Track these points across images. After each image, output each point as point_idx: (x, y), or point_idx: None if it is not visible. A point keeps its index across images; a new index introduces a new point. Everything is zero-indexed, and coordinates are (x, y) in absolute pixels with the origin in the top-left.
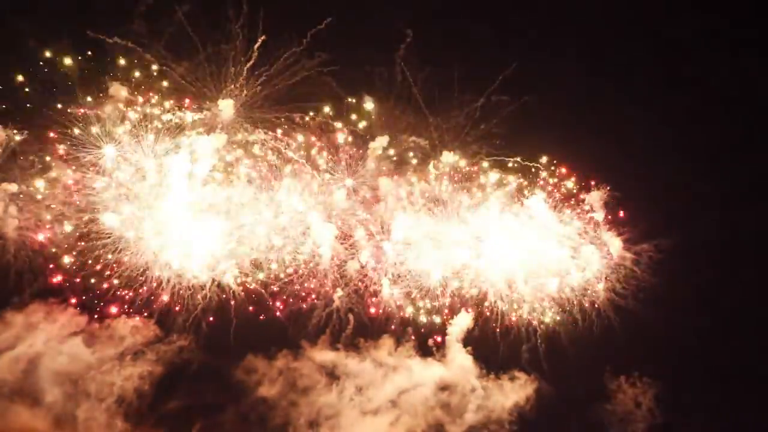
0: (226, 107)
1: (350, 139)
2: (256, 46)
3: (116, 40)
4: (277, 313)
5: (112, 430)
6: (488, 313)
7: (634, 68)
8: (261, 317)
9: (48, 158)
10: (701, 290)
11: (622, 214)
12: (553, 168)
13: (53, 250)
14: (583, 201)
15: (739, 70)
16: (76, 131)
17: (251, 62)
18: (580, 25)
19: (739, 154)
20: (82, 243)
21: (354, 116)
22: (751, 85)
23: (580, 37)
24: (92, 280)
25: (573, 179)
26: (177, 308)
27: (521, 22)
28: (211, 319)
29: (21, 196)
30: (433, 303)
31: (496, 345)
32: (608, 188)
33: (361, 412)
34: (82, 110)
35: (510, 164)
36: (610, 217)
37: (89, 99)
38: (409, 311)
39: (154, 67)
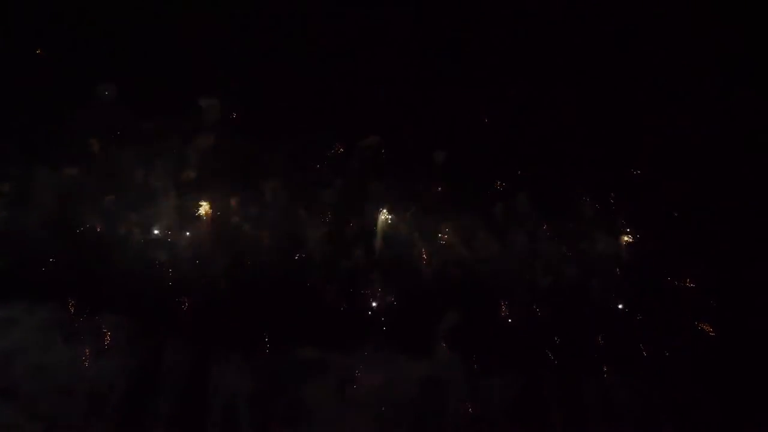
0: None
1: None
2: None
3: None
4: (265, 310)
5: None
6: (478, 311)
7: None
8: (248, 314)
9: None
10: (700, 289)
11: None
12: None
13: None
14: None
15: None
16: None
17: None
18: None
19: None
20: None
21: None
22: None
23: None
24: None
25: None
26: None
27: None
28: (196, 315)
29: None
30: (423, 299)
31: (487, 343)
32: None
33: (343, 407)
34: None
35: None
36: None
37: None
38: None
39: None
